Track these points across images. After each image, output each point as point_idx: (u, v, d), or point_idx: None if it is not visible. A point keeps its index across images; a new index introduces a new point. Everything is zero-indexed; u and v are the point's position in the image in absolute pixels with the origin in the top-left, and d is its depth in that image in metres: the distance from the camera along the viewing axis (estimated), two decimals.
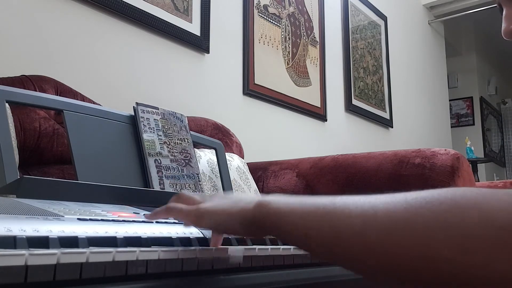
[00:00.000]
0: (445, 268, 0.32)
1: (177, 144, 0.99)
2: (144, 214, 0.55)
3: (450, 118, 4.70)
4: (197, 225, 0.51)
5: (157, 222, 0.53)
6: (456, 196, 0.34)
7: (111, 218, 0.49)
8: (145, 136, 0.93)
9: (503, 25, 0.63)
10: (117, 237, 0.42)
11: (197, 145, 1.12)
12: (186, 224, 0.52)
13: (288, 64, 2.39)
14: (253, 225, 0.45)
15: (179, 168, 0.96)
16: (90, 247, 0.39)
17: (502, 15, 0.64)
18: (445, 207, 0.33)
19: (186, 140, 1.02)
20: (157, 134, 0.95)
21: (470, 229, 0.32)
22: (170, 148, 0.96)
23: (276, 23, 2.34)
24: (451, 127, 4.58)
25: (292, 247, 0.60)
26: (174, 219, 0.55)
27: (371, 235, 0.35)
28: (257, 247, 0.55)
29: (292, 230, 0.41)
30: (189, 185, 0.97)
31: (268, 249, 0.56)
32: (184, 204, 0.53)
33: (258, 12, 2.23)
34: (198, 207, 0.50)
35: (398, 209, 0.35)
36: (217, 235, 0.53)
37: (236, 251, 0.53)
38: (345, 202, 0.38)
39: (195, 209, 0.50)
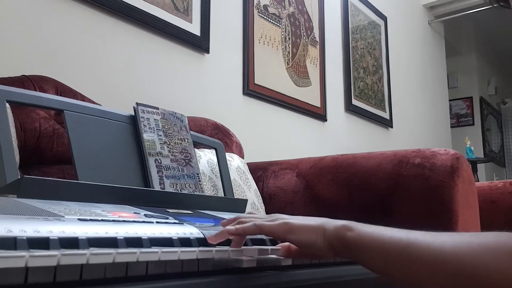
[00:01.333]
0: None
1: (177, 144, 0.99)
2: (227, 231, 0.54)
3: (450, 118, 4.70)
4: (286, 238, 0.54)
5: (157, 222, 0.53)
6: None
7: (111, 219, 0.49)
8: (145, 136, 0.93)
9: None
10: (118, 238, 0.42)
11: (197, 145, 1.12)
12: (275, 238, 0.55)
13: (288, 64, 2.39)
14: (339, 247, 0.50)
15: (179, 168, 0.96)
16: (91, 248, 0.39)
17: None
18: (504, 255, 0.38)
19: (186, 140, 1.02)
20: (157, 134, 0.95)
21: None
22: (170, 148, 0.96)
23: (276, 23, 2.34)
24: (451, 127, 4.58)
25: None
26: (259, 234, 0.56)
27: (442, 275, 0.41)
28: (257, 247, 0.55)
29: (372, 258, 0.47)
30: (189, 185, 0.97)
31: (268, 250, 0.56)
32: (261, 219, 0.56)
33: (258, 12, 2.23)
34: (287, 222, 0.53)
35: (464, 254, 0.40)
36: (241, 238, 0.54)
37: (237, 252, 0.53)
38: (417, 239, 0.44)
39: (283, 223, 0.53)
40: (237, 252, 0.52)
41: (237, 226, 0.54)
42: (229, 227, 0.54)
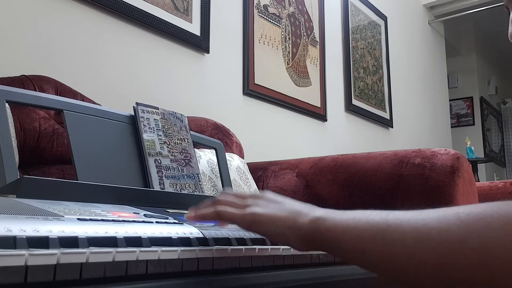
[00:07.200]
0: (502, 285, 0.31)
1: (177, 144, 0.99)
2: (186, 216, 0.53)
3: (450, 118, 4.70)
4: (251, 230, 0.51)
5: (157, 222, 0.53)
6: (509, 210, 0.33)
7: (111, 218, 0.49)
8: (145, 136, 0.93)
9: (510, 28, 0.63)
10: (117, 237, 0.42)
11: (197, 145, 1.12)
12: (241, 228, 0.51)
13: (288, 64, 2.39)
14: (311, 242, 0.45)
15: (179, 168, 0.96)
16: (90, 247, 0.39)
17: (509, 17, 0.64)
18: (498, 223, 0.33)
19: (186, 140, 1.02)
20: (157, 134, 0.95)
21: None
22: (170, 148, 0.96)
23: (276, 23, 2.34)
24: (451, 127, 4.58)
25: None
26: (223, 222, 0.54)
27: (424, 253, 0.35)
28: (257, 247, 0.55)
29: (348, 248, 0.41)
30: (189, 185, 0.97)
31: (268, 249, 0.56)
32: (233, 203, 0.53)
33: (258, 12, 2.23)
34: (253, 212, 0.50)
35: (451, 227, 0.35)
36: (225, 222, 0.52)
37: (236, 251, 0.53)
38: (398, 219, 0.38)
39: (250, 213, 0.50)
40: (237, 251, 0.52)
41: (198, 211, 0.51)
42: (189, 213, 0.51)
